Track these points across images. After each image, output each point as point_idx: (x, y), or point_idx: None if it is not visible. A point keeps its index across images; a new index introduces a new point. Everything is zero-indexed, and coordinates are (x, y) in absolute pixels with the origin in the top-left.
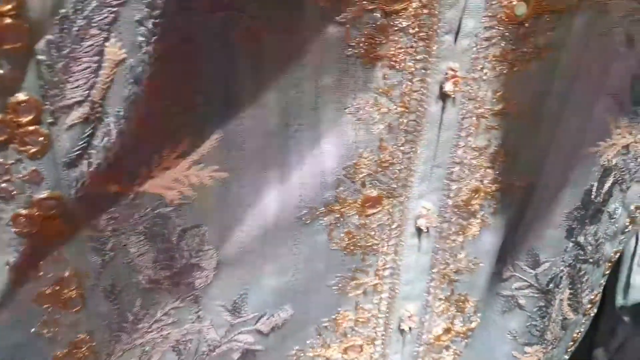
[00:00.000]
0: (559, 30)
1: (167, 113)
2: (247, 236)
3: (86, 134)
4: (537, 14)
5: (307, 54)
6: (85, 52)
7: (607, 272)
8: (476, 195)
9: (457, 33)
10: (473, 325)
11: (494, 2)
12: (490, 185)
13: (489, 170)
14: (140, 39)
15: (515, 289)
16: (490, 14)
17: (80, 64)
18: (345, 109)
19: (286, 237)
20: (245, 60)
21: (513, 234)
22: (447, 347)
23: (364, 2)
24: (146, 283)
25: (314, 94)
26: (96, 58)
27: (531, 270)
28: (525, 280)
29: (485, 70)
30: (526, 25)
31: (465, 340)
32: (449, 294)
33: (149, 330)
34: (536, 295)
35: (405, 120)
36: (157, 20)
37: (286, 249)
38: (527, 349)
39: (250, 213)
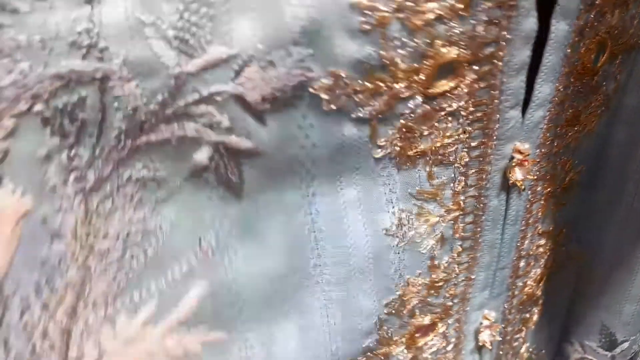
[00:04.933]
0: (626, 71)
1: (116, 267)
2: None
3: None
4: (611, 58)
5: (314, 167)
6: None
7: None
8: (541, 283)
9: (524, 103)
10: None
11: (570, 56)
12: (550, 264)
13: (550, 252)
14: (53, 180)
15: None
16: (565, 71)
17: None
18: (381, 229)
19: None
20: (225, 191)
21: (577, 310)
22: None
23: (396, 87)
24: None
25: (332, 214)
26: None
27: (606, 352)
28: None
29: (555, 142)
30: (600, 74)
31: None
32: None
33: None
34: None
35: (461, 226)
36: (72, 153)
37: None
38: None
39: None
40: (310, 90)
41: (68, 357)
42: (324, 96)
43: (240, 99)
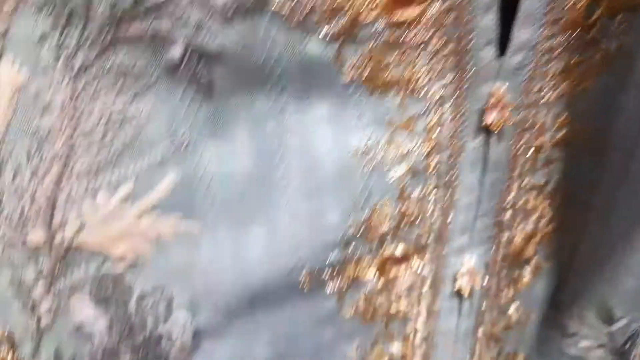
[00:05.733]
0: (636, 32)
1: (98, 146)
2: (229, 301)
3: None
4: (610, 14)
5: (282, 79)
6: None
7: None
8: (532, 241)
9: (503, 45)
10: None
11: (555, 4)
12: (546, 225)
13: (546, 210)
14: (46, 59)
15: (583, 348)
16: (552, 19)
17: None
18: (349, 150)
19: (283, 303)
20: (197, 90)
21: (577, 280)
22: None
23: (356, 9)
24: (102, 355)
25: (301, 130)
26: None
27: (604, 327)
28: (596, 338)
29: (544, 92)
30: (596, 28)
31: None
32: (495, 355)
33: None
34: (609, 358)
35: (434, 161)
36: (63, 37)
37: (285, 316)
38: None
39: (231, 275)
40: (270, 5)
41: (52, 223)
42: (283, 11)
43: (204, 1)
